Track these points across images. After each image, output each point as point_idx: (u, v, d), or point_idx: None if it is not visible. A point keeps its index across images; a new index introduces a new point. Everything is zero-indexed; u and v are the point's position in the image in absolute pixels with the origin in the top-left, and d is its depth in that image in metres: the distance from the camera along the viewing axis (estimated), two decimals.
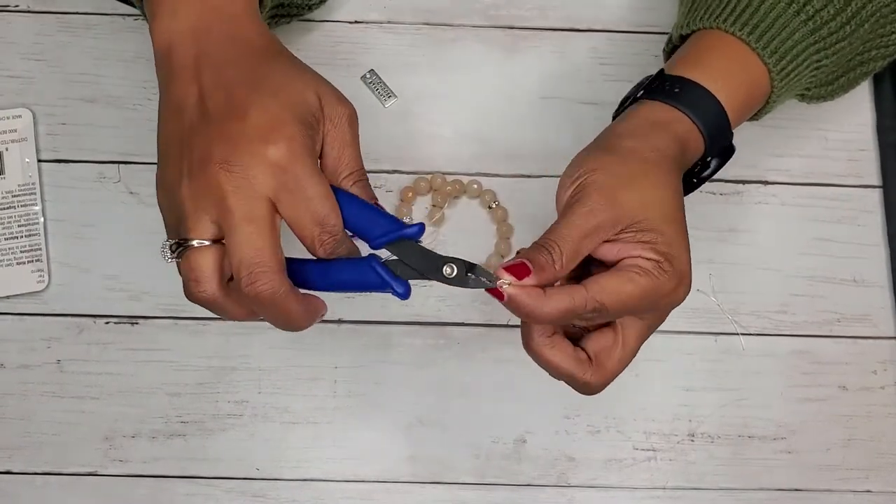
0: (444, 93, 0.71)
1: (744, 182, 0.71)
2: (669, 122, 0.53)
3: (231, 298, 0.48)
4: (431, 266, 0.49)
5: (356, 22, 0.72)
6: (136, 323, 0.68)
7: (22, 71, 0.70)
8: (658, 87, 0.55)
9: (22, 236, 0.68)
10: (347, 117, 0.50)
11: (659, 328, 0.67)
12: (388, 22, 0.72)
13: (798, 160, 0.71)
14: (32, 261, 0.68)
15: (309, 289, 0.50)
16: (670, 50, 0.62)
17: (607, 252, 0.49)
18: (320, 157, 0.50)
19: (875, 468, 0.68)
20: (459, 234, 0.69)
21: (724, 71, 0.56)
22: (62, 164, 0.69)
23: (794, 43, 0.57)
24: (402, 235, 0.49)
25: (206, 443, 0.66)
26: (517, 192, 0.70)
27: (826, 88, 0.64)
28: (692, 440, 0.68)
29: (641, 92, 0.56)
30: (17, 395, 0.66)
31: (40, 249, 0.68)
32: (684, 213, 0.51)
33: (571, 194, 0.50)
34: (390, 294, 0.49)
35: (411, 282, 0.49)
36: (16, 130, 0.69)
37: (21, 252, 0.68)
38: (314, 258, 0.49)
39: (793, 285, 0.70)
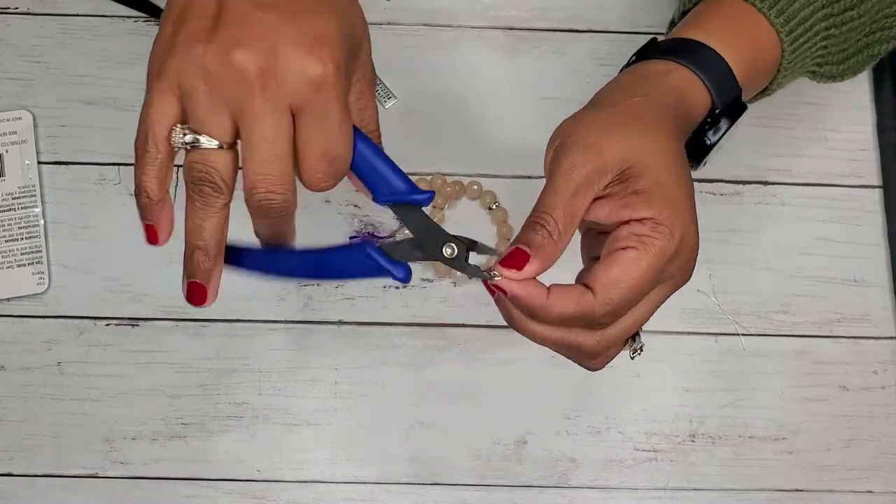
0: (444, 93, 0.71)
1: (744, 182, 0.71)
2: (663, 73, 0.49)
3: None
4: (431, 241, 0.45)
5: None
6: (137, 325, 0.68)
7: (22, 73, 0.70)
8: (651, 50, 0.52)
9: (22, 238, 0.68)
10: (372, 71, 0.47)
11: (658, 329, 0.68)
12: (388, 23, 0.72)
13: (798, 160, 0.71)
14: (33, 263, 0.68)
15: (301, 278, 0.47)
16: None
17: (600, 212, 0.45)
18: None
19: (876, 468, 0.68)
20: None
21: (726, 29, 0.52)
22: (62, 166, 0.69)
23: (801, 5, 0.53)
24: (411, 200, 0.45)
25: (207, 444, 0.66)
26: (517, 193, 0.70)
27: (837, 67, 0.60)
28: (693, 441, 0.67)
29: (633, 58, 0.53)
30: (17, 397, 0.66)
31: (40, 251, 0.68)
32: (685, 161, 0.46)
33: (553, 157, 0.46)
34: (390, 279, 0.46)
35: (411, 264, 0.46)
36: (16, 132, 0.69)
37: (21, 254, 0.68)
38: (307, 249, 0.46)
39: (793, 285, 0.70)
